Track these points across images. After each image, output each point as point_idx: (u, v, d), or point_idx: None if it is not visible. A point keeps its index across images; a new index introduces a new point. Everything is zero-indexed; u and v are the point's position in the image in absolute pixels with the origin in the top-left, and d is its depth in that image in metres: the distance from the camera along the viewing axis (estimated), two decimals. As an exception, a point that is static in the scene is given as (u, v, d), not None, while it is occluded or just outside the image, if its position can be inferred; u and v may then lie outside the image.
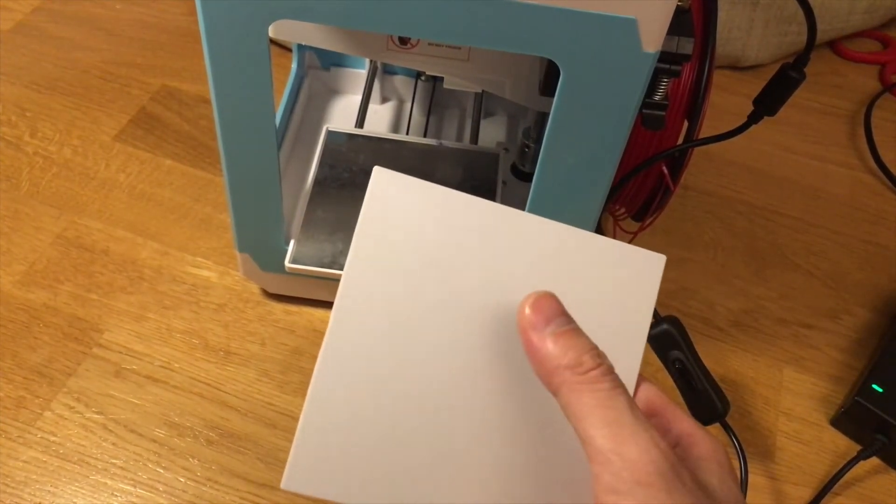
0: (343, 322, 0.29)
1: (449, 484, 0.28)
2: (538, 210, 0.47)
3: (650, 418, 0.29)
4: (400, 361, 0.29)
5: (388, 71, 0.69)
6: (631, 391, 0.30)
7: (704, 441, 0.30)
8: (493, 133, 0.68)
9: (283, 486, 0.28)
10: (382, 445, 0.29)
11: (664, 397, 0.31)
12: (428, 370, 0.29)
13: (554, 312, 0.27)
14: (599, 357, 0.27)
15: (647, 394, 0.32)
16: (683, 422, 0.30)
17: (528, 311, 0.27)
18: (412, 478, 0.28)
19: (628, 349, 0.31)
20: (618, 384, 0.26)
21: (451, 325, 0.30)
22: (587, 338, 0.27)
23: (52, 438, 0.51)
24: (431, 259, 0.30)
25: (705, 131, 0.48)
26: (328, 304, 0.59)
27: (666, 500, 0.24)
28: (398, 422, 0.29)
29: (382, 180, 0.30)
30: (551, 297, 0.28)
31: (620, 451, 0.25)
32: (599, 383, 0.26)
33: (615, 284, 0.32)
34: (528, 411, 0.30)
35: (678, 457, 0.26)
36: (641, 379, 0.32)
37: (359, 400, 0.29)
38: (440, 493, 0.28)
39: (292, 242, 0.53)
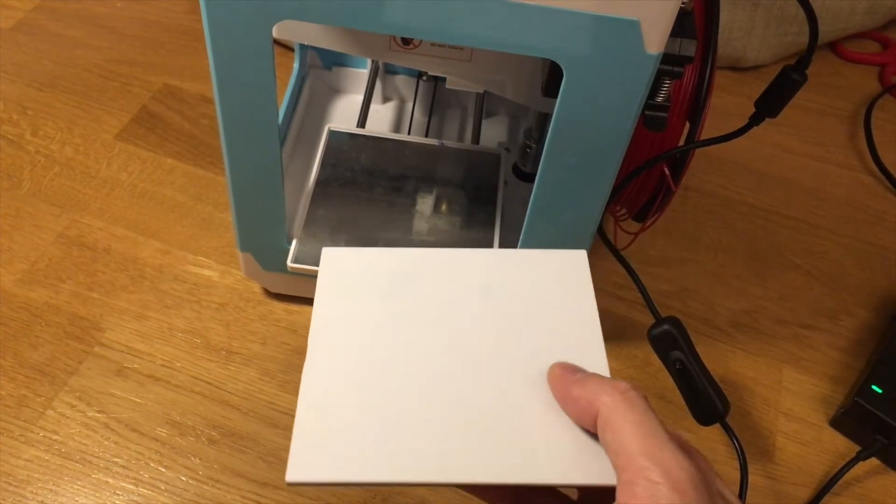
0: (321, 334, 0.33)
1: (447, 451, 0.30)
2: (540, 210, 0.47)
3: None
4: (379, 355, 0.32)
5: (390, 70, 0.69)
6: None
7: (701, 457, 0.31)
8: (494, 133, 0.68)
9: (287, 479, 0.29)
10: (378, 424, 0.30)
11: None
12: (405, 358, 0.32)
13: (574, 369, 0.31)
14: (630, 382, 0.30)
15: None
16: (680, 437, 0.32)
17: (557, 371, 0.31)
18: (409, 450, 0.30)
19: (589, 343, 0.33)
20: (650, 406, 0.29)
21: (419, 331, 0.33)
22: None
23: (54, 437, 0.51)
24: (389, 298, 0.34)
25: (706, 132, 0.48)
26: (329, 304, 0.59)
27: None
28: (389, 400, 0.31)
29: (332, 257, 0.36)
30: (567, 363, 0.32)
31: (659, 460, 0.27)
32: (636, 401, 0.29)
33: (552, 289, 0.35)
34: (506, 380, 0.32)
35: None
36: None
37: (347, 389, 0.31)
38: (440, 461, 0.29)
39: (294, 242, 0.54)
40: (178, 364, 0.55)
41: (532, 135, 0.61)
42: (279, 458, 0.51)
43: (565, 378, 0.31)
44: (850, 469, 0.53)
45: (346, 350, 0.32)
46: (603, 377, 0.30)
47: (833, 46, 0.91)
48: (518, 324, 0.34)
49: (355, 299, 0.34)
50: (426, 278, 0.35)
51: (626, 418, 0.28)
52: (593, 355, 0.33)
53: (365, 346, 0.32)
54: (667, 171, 0.51)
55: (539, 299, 0.34)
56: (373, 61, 0.68)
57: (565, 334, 0.33)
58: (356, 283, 0.35)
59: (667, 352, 0.50)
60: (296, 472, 0.29)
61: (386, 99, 0.71)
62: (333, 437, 0.30)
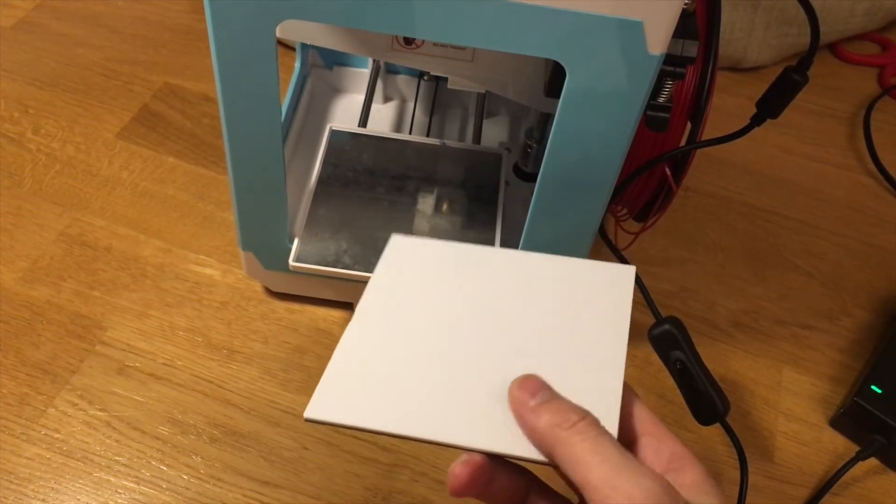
0: (370, 304, 0.35)
1: (449, 418, 0.31)
2: (541, 210, 0.47)
3: (641, 438, 0.32)
4: (415, 331, 0.34)
5: (391, 70, 0.69)
6: (617, 402, 0.32)
7: (695, 464, 0.31)
8: (495, 133, 0.69)
9: (305, 415, 0.31)
10: (397, 385, 0.32)
11: (656, 419, 0.33)
12: (438, 338, 0.34)
13: (537, 388, 0.31)
14: (582, 412, 0.30)
15: (641, 415, 0.33)
16: (675, 444, 0.32)
17: (516, 389, 0.31)
18: (418, 411, 0.31)
19: (611, 360, 0.34)
20: (603, 431, 0.29)
21: (454, 320, 0.35)
22: (569, 401, 0.31)
23: (56, 435, 0.51)
24: (437, 287, 0.36)
25: (707, 132, 0.48)
26: (331, 303, 0.60)
27: None
28: (412, 368, 0.33)
29: (399, 244, 0.38)
30: (535, 378, 0.32)
31: (615, 485, 0.27)
32: (586, 432, 0.29)
33: (593, 300, 0.36)
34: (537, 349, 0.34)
35: (672, 480, 0.29)
36: (635, 400, 0.33)
37: (380, 351, 0.33)
38: (452, 417, 0.31)
39: (296, 241, 0.54)
40: (180, 363, 0.55)
41: (533, 135, 0.61)
42: (280, 456, 0.51)
43: (522, 406, 0.30)
44: (849, 469, 0.53)
45: (388, 319, 0.35)
46: (558, 406, 0.30)
47: (832, 48, 0.91)
48: (547, 327, 0.35)
49: (408, 280, 0.36)
50: (477, 274, 0.37)
51: (580, 450, 0.28)
52: (610, 373, 0.33)
53: (404, 320, 0.35)
54: (668, 172, 0.51)
55: (576, 309, 0.35)
56: (374, 61, 0.69)
57: (589, 346, 0.34)
58: (413, 267, 0.37)
59: (667, 351, 0.50)
60: (315, 410, 0.31)
61: (387, 98, 0.71)
62: (355, 388, 0.32)
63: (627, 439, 0.32)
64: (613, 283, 0.36)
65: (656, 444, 0.32)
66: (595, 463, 0.28)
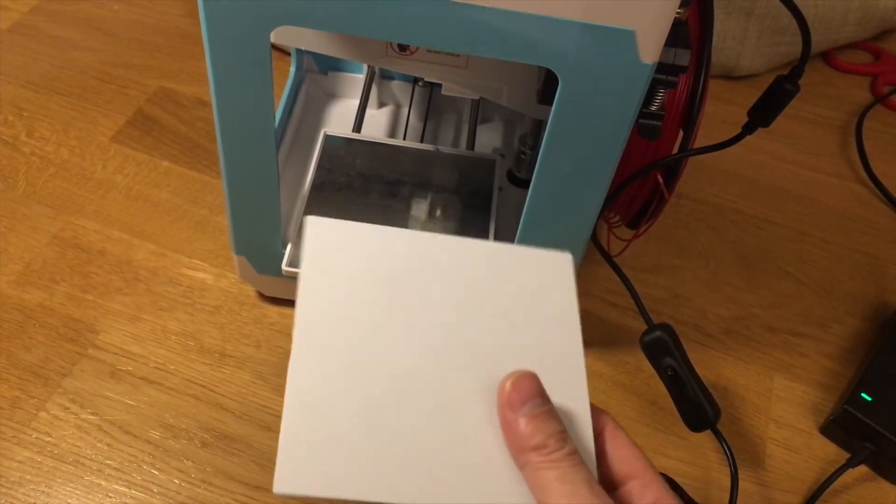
0: (306, 328, 0.32)
1: (440, 464, 0.29)
2: (534, 216, 0.48)
3: (629, 481, 0.32)
4: (366, 356, 0.31)
5: (386, 76, 0.70)
6: (583, 388, 0.32)
7: (657, 484, 0.31)
8: (489, 139, 0.69)
9: (275, 490, 0.28)
10: (368, 435, 0.29)
11: (645, 460, 0.32)
12: (394, 359, 0.31)
13: (530, 393, 0.30)
14: (563, 440, 0.29)
15: (630, 456, 0.33)
16: (659, 490, 0.31)
17: (508, 387, 0.30)
18: (402, 463, 0.29)
19: (567, 346, 0.33)
20: (578, 462, 0.29)
21: (403, 328, 0.32)
22: (557, 421, 0.30)
23: (47, 439, 0.51)
24: (373, 284, 0.33)
25: (699, 140, 0.49)
26: (324, 308, 0.60)
27: None
28: (378, 408, 0.30)
29: (318, 226, 0.34)
30: (531, 378, 0.30)
31: None
32: (561, 462, 0.28)
33: (537, 292, 0.35)
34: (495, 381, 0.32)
35: None
36: (626, 440, 0.33)
37: (336, 394, 0.30)
38: (434, 474, 0.29)
39: (289, 246, 0.54)
40: (172, 367, 0.55)
41: (527, 141, 0.61)
42: (272, 461, 0.51)
43: (509, 409, 0.30)
44: (839, 476, 0.53)
45: (332, 348, 0.31)
46: (541, 425, 0.29)
47: (825, 57, 0.92)
48: (500, 325, 0.33)
49: (341, 285, 0.33)
50: (413, 266, 0.34)
51: (549, 478, 0.28)
52: (571, 364, 0.33)
53: (349, 346, 0.31)
54: (660, 179, 0.51)
55: (524, 300, 0.34)
56: (369, 67, 0.69)
57: (546, 340, 0.33)
58: (343, 266, 0.33)
59: (659, 358, 0.50)
60: (283, 483, 0.28)
61: (382, 104, 0.71)
62: (323, 448, 0.29)
63: (615, 481, 0.32)
64: (554, 271, 0.35)
65: (641, 487, 0.32)
66: (560, 494, 0.28)
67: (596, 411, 0.33)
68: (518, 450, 0.29)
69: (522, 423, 0.29)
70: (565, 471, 0.28)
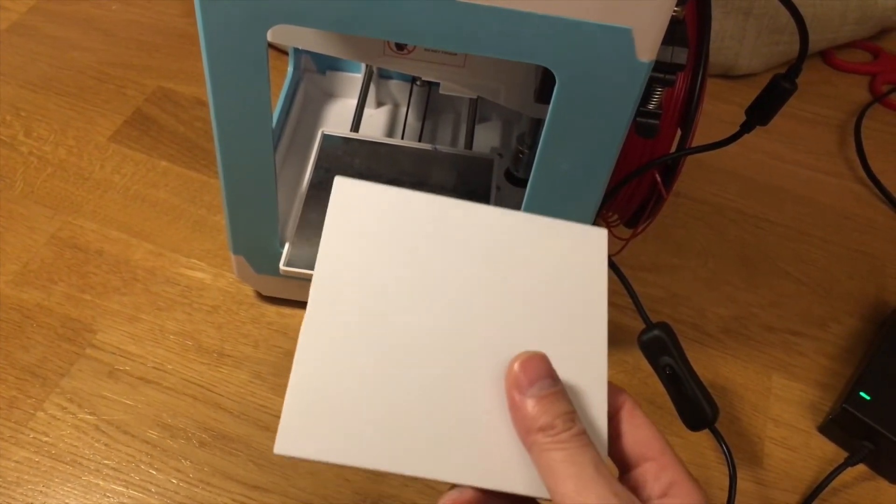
0: (322, 290, 0.31)
1: (445, 439, 0.29)
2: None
3: (644, 462, 0.31)
4: (380, 323, 0.31)
5: (384, 75, 0.70)
6: (603, 368, 0.31)
7: (692, 493, 0.30)
8: (487, 138, 0.69)
9: (275, 450, 0.28)
10: (374, 403, 0.29)
11: (662, 442, 0.32)
12: (407, 327, 0.31)
13: (539, 374, 0.29)
14: (571, 421, 0.28)
15: (647, 437, 0.32)
16: (677, 472, 0.31)
17: (516, 368, 0.29)
18: (405, 434, 0.29)
19: (591, 325, 0.32)
20: (585, 443, 0.28)
21: (420, 296, 0.31)
22: (566, 402, 0.29)
23: (45, 439, 0.51)
24: (395, 248, 0.32)
25: (698, 139, 0.49)
26: (322, 307, 0.60)
27: None
28: (386, 377, 0.30)
29: (345, 188, 0.33)
30: (541, 359, 0.30)
31: (580, 500, 0.26)
32: (568, 442, 0.28)
33: (567, 267, 0.33)
34: (508, 348, 0.31)
35: None
36: (644, 420, 0.32)
37: (345, 359, 0.30)
38: (437, 449, 0.29)
39: (287, 245, 0.54)
40: (170, 366, 0.55)
41: (525, 140, 0.61)
42: (270, 461, 0.51)
43: (517, 389, 0.29)
44: (837, 475, 0.53)
45: (346, 313, 0.30)
46: (549, 407, 0.29)
47: (824, 56, 0.92)
48: (523, 297, 0.32)
49: (363, 248, 0.32)
50: (439, 233, 0.33)
51: (556, 459, 0.28)
52: (592, 344, 0.32)
53: (363, 310, 0.31)
54: (658, 178, 0.51)
55: (550, 274, 0.33)
56: (367, 66, 0.69)
57: (569, 316, 0.32)
58: (367, 228, 0.32)
59: (657, 357, 0.50)
60: (285, 443, 0.28)
61: (380, 103, 0.71)
62: (327, 412, 0.29)
63: (630, 462, 0.31)
64: (586, 247, 0.34)
65: (657, 469, 0.31)
66: (567, 476, 0.27)
67: (614, 390, 0.32)
68: (525, 431, 0.29)
69: (530, 405, 0.29)
70: (572, 451, 0.28)
